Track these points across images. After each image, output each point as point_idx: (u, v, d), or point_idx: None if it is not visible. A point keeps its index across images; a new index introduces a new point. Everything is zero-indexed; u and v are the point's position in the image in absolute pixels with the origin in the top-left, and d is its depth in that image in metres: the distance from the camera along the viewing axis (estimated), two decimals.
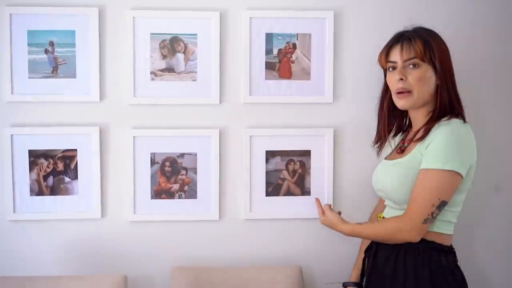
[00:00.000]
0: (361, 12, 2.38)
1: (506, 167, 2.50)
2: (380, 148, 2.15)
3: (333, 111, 2.40)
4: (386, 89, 2.06)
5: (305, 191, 2.41)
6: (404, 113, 2.08)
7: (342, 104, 2.40)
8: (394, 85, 1.96)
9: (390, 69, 1.99)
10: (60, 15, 2.29)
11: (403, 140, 2.06)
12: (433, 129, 1.90)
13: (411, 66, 1.93)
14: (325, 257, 2.42)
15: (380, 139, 2.12)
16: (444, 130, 1.87)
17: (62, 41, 2.30)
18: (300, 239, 2.42)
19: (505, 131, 2.49)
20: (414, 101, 1.94)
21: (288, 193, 2.41)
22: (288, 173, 2.41)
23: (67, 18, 2.30)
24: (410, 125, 2.08)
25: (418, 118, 1.99)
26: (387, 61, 1.99)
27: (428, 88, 1.93)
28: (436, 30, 2.00)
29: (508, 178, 2.51)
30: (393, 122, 2.09)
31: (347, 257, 2.35)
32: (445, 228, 1.93)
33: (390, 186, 1.97)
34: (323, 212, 2.14)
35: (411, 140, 1.99)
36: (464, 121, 1.93)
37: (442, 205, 1.85)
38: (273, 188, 2.40)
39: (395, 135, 2.13)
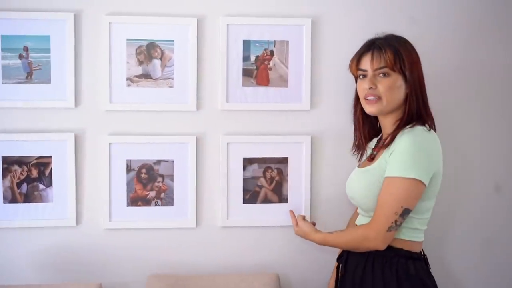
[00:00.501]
0: (339, 20, 2.39)
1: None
2: (361, 155, 2.16)
3: (310, 118, 2.40)
4: (357, 96, 2.07)
5: (282, 199, 2.41)
6: (377, 119, 2.09)
7: (320, 111, 2.39)
8: (363, 92, 1.97)
9: (361, 76, 1.99)
10: (35, 20, 2.26)
11: (374, 147, 2.08)
12: (397, 137, 1.92)
13: (381, 75, 1.94)
14: (302, 264, 2.42)
15: (359, 146, 2.13)
16: (406, 138, 1.88)
17: (36, 46, 2.27)
18: (277, 246, 2.42)
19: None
20: (383, 108, 1.95)
21: (266, 200, 2.40)
22: (265, 180, 2.40)
23: (42, 23, 2.27)
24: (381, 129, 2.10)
25: (386, 125, 2.01)
26: (358, 69, 1.99)
27: (397, 97, 1.94)
28: (408, 37, 2.01)
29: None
30: (366, 128, 2.10)
31: (324, 265, 2.36)
32: (412, 235, 1.94)
33: (359, 193, 1.99)
34: (297, 223, 2.17)
35: (379, 148, 2.00)
36: (430, 128, 1.94)
37: (405, 212, 1.86)
38: (251, 195, 2.39)
39: (370, 140, 2.14)
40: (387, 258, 1.92)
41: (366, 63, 1.96)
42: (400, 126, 1.94)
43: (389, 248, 1.92)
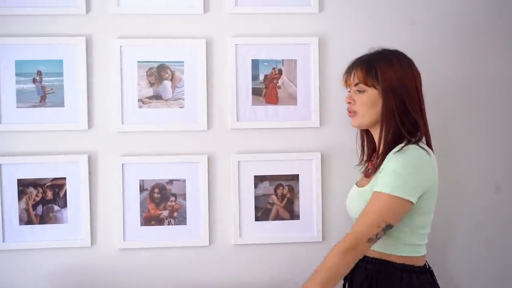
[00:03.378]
0: (345, 37, 2.41)
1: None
2: (366, 168, 2.15)
3: (320, 135, 2.42)
4: None
5: (294, 216, 2.42)
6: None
7: (329, 128, 2.42)
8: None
9: (348, 91, 2.08)
10: (48, 45, 2.31)
11: (371, 162, 2.10)
12: (387, 156, 1.93)
13: (357, 91, 2.00)
14: None
15: (364, 160, 2.15)
16: (396, 157, 1.88)
17: (50, 70, 2.32)
18: (290, 263, 2.43)
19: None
20: (360, 121, 2.02)
21: (277, 217, 2.42)
22: (277, 198, 2.42)
23: (54, 47, 2.32)
24: None
25: (376, 139, 2.05)
26: (345, 85, 2.09)
27: (375, 111, 1.98)
28: (416, 51, 2.03)
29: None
30: (370, 141, 2.13)
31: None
32: (411, 250, 1.94)
33: (355, 214, 1.97)
34: None
35: (373, 165, 2.03)
36: (427, 144, 1.96)
37: (387, 228, 1.86)
38: (262, 212, 2.41)
39: (372, 155, 2.14)
40: (391, 274, 1.92)
41: (348, 80, 2.05)
42: (386, 144, 1.95)
43: (392, 264, 1.93)
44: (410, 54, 2.04)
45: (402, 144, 1.92)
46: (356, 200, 2.03)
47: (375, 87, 1.96)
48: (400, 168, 1.87)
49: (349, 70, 2.05)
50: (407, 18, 2.45)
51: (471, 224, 2.52)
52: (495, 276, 2.55)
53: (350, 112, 2.04)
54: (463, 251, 2.53)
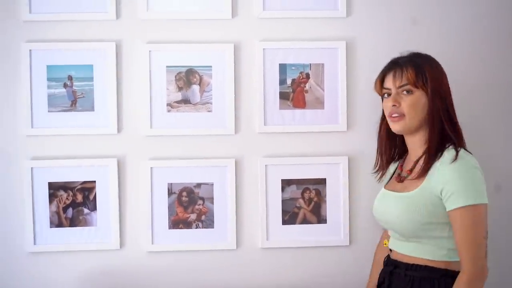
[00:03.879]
0: (372, 42, 2.42)
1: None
2: (381, 175, 2.13)
3: (347, 140, 2.42)
4: (383, 116, 2.08)
5: (321, 219, 2.43)
6: (402, 139, 2.07)
7: (356, 132, 2.42)
8: (388, 110, 1.99)
9: (385, 95, 2.01)
10: (78, 50, 2.35)
11: (401, 167, 2.06)
12: (439, 164, 1.89)
13: (404, 92, 1.95)
14: (341, 285, 2.43)
15: (381, 167, 2.11)
16: (459, 167, 1.86)
17: (80, 75, 2.36)
18: (316, 267, 2.43)
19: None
20: (406, 125, 1.95)
21: (304, 221, 2.43)
22: (304, 201, 2.43)
23: (85, 53, 2.35)
24: (406, 150, 2.08)
25: (414, 144, 2.00)
26: (382, 87, 2.02)
27: (421, 114, 1.94)
28: (443, 57, 2.03)
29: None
30: (389, 148, 2.09)
31: (364, 285, 2.35)
32: (454, 256, 1.92)
33: (397, 220, 1.95)
34: None
35: (411, 171, 1.98)
36: (461, 147, 1.94)
37: (486, 234, 1.87)
38: (289, 216, 2.42)
39: (392, 161, 2.12)
40: (436, 279, 1.90)
41: (389, 82, 1.98)
42: (432, 149, 1.93)
43: (436, 270, 1.91)
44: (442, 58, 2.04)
45: (453, 152, 1.90)
46: (396, 205, 1.96)
47: (423, 89, 1.93)
48: (469, 176, 1.86)
49: (390, 71, 1.99)
50: (438, 21, 2.45)
51: None
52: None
53: (394, 116, 1.95)
54: None
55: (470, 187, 1.85)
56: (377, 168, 2.13)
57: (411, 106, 1.93)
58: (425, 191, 1.91)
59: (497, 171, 2.50)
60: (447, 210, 1.86)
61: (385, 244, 2.12)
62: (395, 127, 1.98)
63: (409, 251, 1.96)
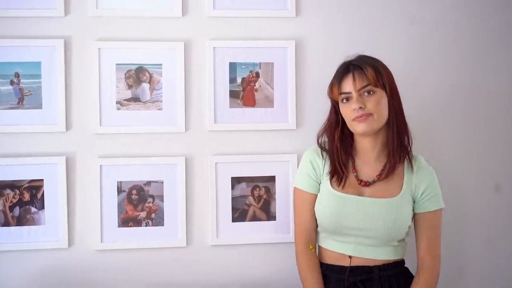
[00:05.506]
0: (321, 41, 2.46)
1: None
2: (340, 181, 2.05)
3: (296, 138, 2.45)
4: (335, 122, 2.06)
5: (270, 216, 2.46)
6: (351, 143, 2.08)
7: (305, 130, 2.45)
8: (351, 113, 1.97)
9: (344, 100, 2.00)
10: (26, 47, 2.31)
11: (355, 169, 2.04)
12: (416, 167, 2.01)
13: (366, 93, 1.96)
14: (291, 281, 2.45)
15: (337, 173, 2.06)
16: (430, 170, 2.02)
17: (27, 72, 2.32)
18: (266, 264, 2.46)
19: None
20: (375, 124, 1.96)
21: (254, 218, 2.45)
22: (253, 199, 2.45)
23: (32, 49, 2.32)
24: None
25: (369, 145, 2.03)
26: (340, 92, 2.00)
27: (385, 112, 1.97)
28: (391, 60, 2.08)
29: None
30: (343, 155, 2.06)
31: None
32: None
33: (384, 225, 1.95)
34: None
35: (380, 175, 2.00)
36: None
37: None
38: (239, 213, 2.44)
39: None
40: (404, 272, 2.03)
41: (349, 85, 1.97)
42: (397, 147, 1.97)
43: (402, 263, 2.04)
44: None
45: (420, 156, 2.05)
46: (390, 212, 1.96)
47: (383, 88, 1.96)
48: (436, 180, 2.03)
49: (348, 75, 1.98)
50: (388, 21, 2.50)
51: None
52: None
53: (362, 116, 1.94)
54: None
55: (438, 192, 2.00)
56: (333, 174, 2.06)
57: (377, 105, 1.95)
58: (407, 194, 1.97)
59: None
60: (425, 211, 1.97)
61: (312, 248, 2.11)
62: (362, 127, 1.96)
63: (382, 255, 2.01)
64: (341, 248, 2.05)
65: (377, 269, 2.00)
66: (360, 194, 2.02)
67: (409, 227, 2.02)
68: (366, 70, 1.95)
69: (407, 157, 1.99)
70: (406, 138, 2.00)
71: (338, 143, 2.06)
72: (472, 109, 2.55)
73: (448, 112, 2.52)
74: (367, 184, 2.01)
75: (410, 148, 2.01)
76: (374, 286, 2.00)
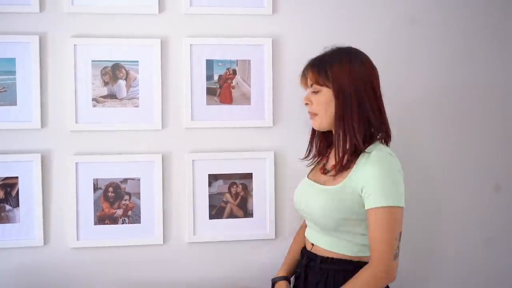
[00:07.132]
0: (298, 39, 2.46)
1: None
2: (319, 163, 2.14)
3: (273, 135, 2.46)
4: None
5: (248, 213, 2.46)
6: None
7: (282, 127, 2.46)
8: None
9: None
10: (0, 43, 2.29)
11: (326, 158, 2.10)
12: (362, 160, 1.92)
13: (313, 92, 2.01)
14: (268, 278, 2.46)
15: (319, 155, 2.14)
16: (377, 166, 1.89)
17: (2, 68, 2.30)
18: (243, 261, 2.46)
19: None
20: (321, 123, 2.01)
21: (231, 215, 2.46)
22: (230, 196, 2.45)
23: (7, 46, 2.29)
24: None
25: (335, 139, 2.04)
26: (304, 86, 2.10)
27: (332, 111, 1.97)
28: (371, 58, 2.06)
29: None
30: (319, 142, 2.13)
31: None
32: (367, 251, 1.95)
33: (317, 212, 1.97)
34: None
35: (335, 166, 1.99)
36: (386, 143, 1.99)
37: (400, 236, 1.89)
38: (217, 211, 2.44)
39: (325, 153, 2.13)
40: (349, 271, 1.96)
41: (303, 81, 2.07)
42: (345, 144, 1.95)
43: (347, 262, 1.96)
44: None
45: (379, 152, 1.91)
46: (317, 198, 1.99)
47: (328, 87, 1.96)
48: (391, 178, 1.89)
49: (304, 72, 2.06)
50: (367, 17, 2.51)
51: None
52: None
53: (310, 113, 2.03)
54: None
55: (390, 189, 1.87)
56: (307, 156, 2.15)
57: (319, 104, 1.98)
58: (347, 187, 1.93)
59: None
60: (365, 208, 1.90)
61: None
62: (313, 124, 2.05)
63: (326, 244, 2.00)
64: (307, 232, 2.12)
65: (320, 259, 2.00)
66: (315, 180, 2.07)
67: (349, 219, 1.95)
68: (308, 70, 2.02)
69: (362, 152, 1.96)
70: (357, 137, 1.94)
71: (320, 132, 2.11)
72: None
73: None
74: (325, 172, 2.06)
75: (365, 145, 1.95)
76: (314, 275, 2.01)
